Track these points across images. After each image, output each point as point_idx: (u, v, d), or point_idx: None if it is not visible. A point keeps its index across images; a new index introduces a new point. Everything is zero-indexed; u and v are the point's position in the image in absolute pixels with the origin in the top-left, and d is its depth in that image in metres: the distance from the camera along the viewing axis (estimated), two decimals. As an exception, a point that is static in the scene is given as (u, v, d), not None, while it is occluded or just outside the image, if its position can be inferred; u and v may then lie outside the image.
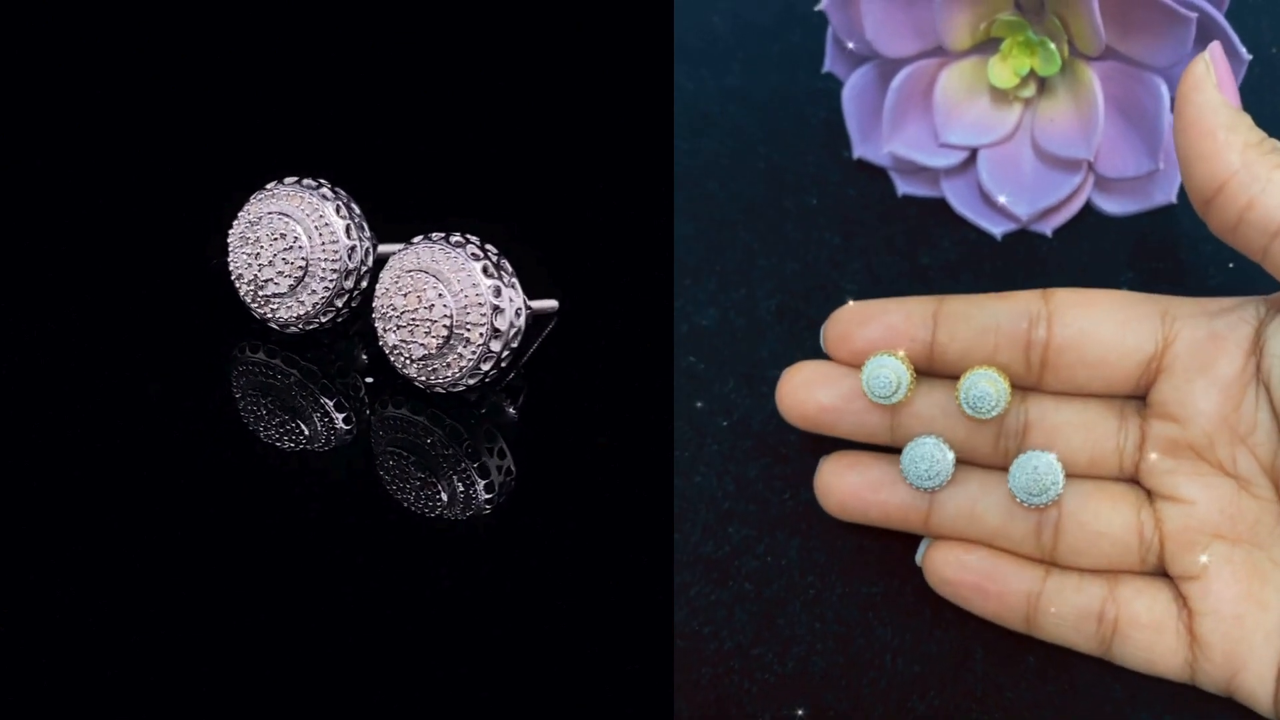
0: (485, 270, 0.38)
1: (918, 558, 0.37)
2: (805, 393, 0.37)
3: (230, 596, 0.37)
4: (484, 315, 0.38)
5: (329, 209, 0.40)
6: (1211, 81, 0.34)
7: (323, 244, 0.40)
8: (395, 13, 0.51)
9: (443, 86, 0.49)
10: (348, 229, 0.40)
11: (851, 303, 0.37)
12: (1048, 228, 0.42)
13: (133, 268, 0.43)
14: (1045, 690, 0.36)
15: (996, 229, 0.42)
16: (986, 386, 0.36)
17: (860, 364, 0.37)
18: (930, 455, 0.36)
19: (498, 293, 0.38)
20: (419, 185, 0.47)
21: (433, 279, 0.38)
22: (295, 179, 0.40)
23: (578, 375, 0.42)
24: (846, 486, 0.37)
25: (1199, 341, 0.35)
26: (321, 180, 0.40)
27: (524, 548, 0.38)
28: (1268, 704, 0.34)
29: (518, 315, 0.39)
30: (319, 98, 0.48)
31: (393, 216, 0.43)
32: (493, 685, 0.36)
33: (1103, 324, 0.35)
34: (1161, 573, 0.36)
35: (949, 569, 0.36)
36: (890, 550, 0.38)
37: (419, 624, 0.37)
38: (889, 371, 0.36)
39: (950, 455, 0.36)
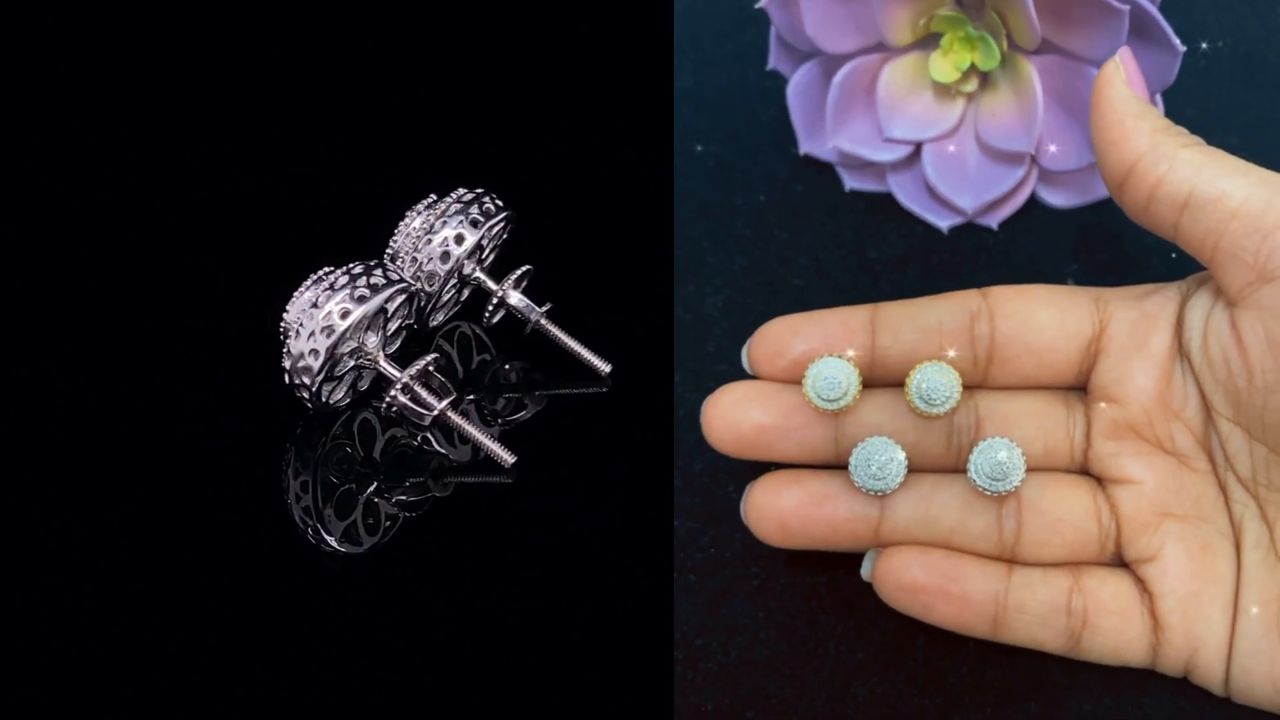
0: (315, 301, 0.40)
1: (864, 571, 0.38)
2: (738, 413, 0.37)
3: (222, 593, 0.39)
4: (294, 334, 0.40)
5: (434, 218, 0.42)
6: (1121, 78, 0.36)
7: (407, 240, 0.42)
8: (383, 14, 0.53)
9: (439, 87, 0.51)
10: (403, 235, 0.42)
11: (778, 318, 0.38)
12: (993, 221, 0.44)
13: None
14: (986, 675, 0.38)
15: (943, 223, 0.44)
16: (938, 378, 0.36)
17: (795, 380, 0.37)
18: (881, 453, 0.36)
19: (306, 322, 0.40)
20: (415, 184, 0.48)
21: (311, 282, 0.41)
22: (478, 190, 0.43)
23: (574, 375, 0.43)
24: (786, 505, 0.37)
25: (1132, 321, 0.37)
26: (476, 194, 0.43)
27: (512, 542, 0.40)
28: (1220, 679, 0.36)
29: (306, 354, 0.39)
30: (314, 100, 0.50)
31: (382, 214, 0.46)
32: (476, 687, 0.38)
33: (1042, 312, 0.37)
34: (1120, 562, 0.37)
35: (906, 574, 0.36)
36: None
37: (396, 615, 0.39)
38: (836, 372, 0.36)
39: (901, 454, 0.36)
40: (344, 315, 0.39)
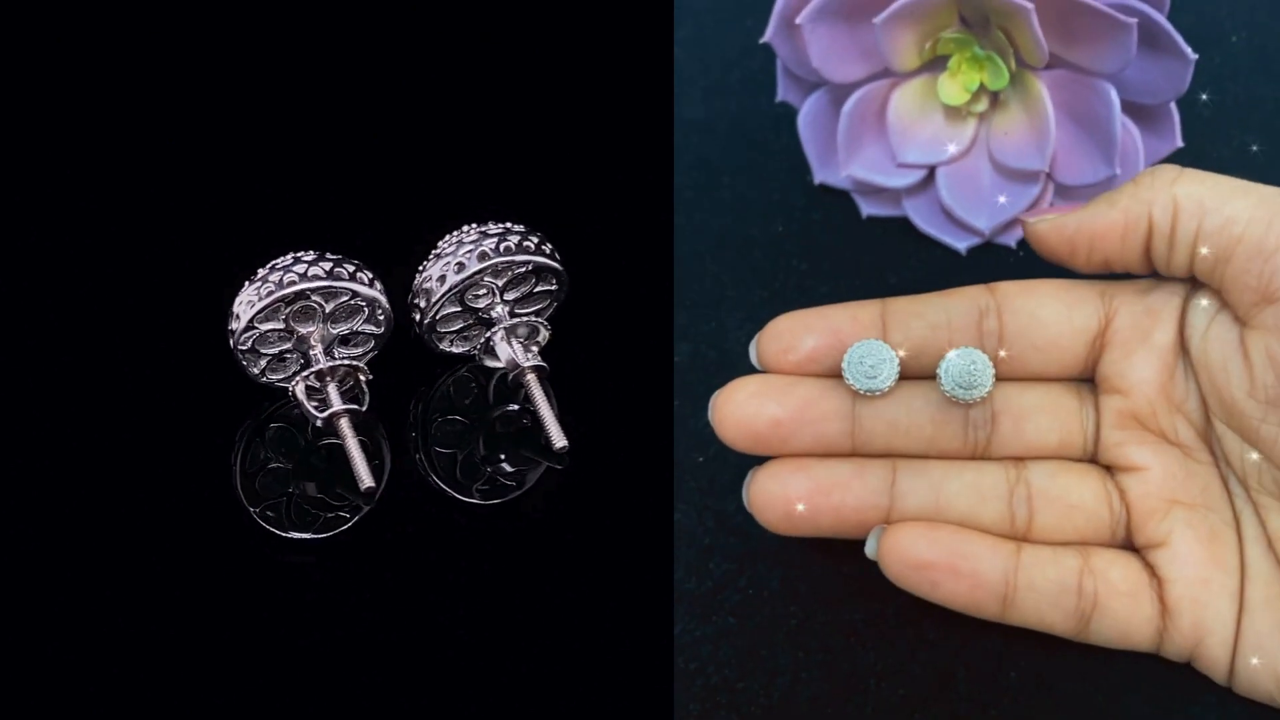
0: (258, 275, 0.41)
1: (868, 549, 0.37)
2: (752, 409, 0.37)
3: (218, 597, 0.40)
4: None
5: (454, 242, 0.43)
6: (1049, 221, 0.37)
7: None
8: (380, 17, 0.53)
9: (436, 91, 0.51)
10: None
11: (786, 314, 0.38)
12: (1012, 239, 0.45)
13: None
14: (1029, 704, 0.39)
15: (960, 244, 0.45)
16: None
17: (807, 373, 0.37)
18: (875, 353, 0.36)
19: (244, 288, 0.41)
20: (410, 192, 0.49)
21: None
22: (512, 227, 0.43)
23: (573, 406, 0.44)
24: (793, 494, 0.37)
25: (1137, 315, 0.38)
26: (504, 229, 0.43)
27: (512, 580, 0.41)
28: (1224, 670, 0.36)
29: (233, 317, 0.41)
30: (311, 103, 0.51)
31: (375, 219, 0.47)
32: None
33: (1048, 307, 0.38)
34: (1130, 546, 0.38)
35: (913, 550, 0.36)
36: (872, 575, 0.40)
37: (412, 648, 0.40)
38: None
39: (893, 354, 0.37)
40: (268, 294, 0.41)
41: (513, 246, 0.42)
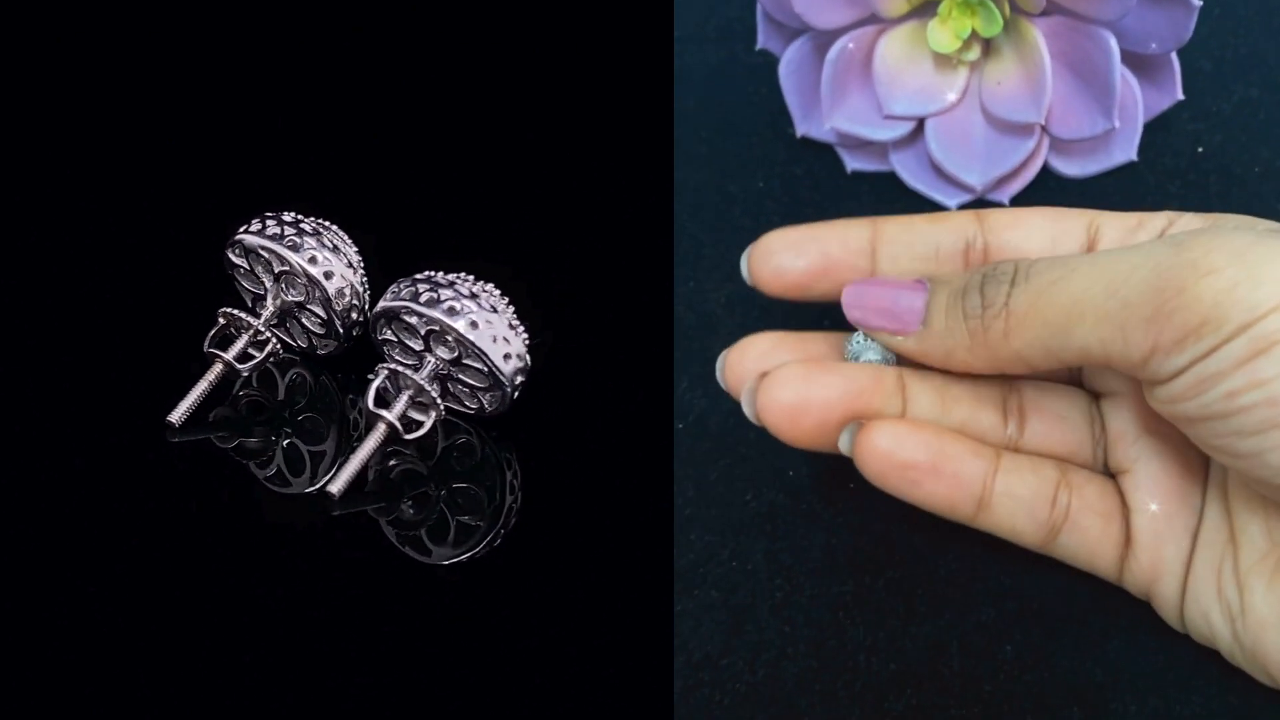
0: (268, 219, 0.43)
1: (843, 445, 0.36)
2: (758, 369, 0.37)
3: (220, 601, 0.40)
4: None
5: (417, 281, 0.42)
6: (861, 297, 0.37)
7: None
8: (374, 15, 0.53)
9: (428, 89, 0.51)
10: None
11: (777, 233, 0.38)
12: (1005, 196, 0.44)
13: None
14: (1024, 680, 0.38)
15: (951, 201, 0.44)
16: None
17: (799, 297, 0.38)
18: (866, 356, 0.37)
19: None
20: (408, 191, 0.49)
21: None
22: (463, 281, 0.41)
23: (572, 381, 0.43)
24: (820, 395, 0.36)
25: (1119, 244, 0.37)
26: (449, 280, 0.41)
27: (516, 561, 0.41)
28: (1175, 609, 0.36)
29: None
30: (308, 106, 0.51)
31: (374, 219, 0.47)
32: (476, 705, 0.38)
33: (1034, 239, 0.38)
34: (1107, 472, 0.38)
35: (900, 450, 0.35)
36: (860, 549, 0.40)
37: (390, 633, 0.39)
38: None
39: (890, 358, 0.37)
40: (238, 231, 0.42)
41: (435, 299, 0.40)
